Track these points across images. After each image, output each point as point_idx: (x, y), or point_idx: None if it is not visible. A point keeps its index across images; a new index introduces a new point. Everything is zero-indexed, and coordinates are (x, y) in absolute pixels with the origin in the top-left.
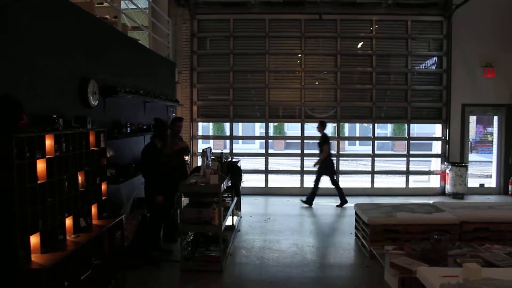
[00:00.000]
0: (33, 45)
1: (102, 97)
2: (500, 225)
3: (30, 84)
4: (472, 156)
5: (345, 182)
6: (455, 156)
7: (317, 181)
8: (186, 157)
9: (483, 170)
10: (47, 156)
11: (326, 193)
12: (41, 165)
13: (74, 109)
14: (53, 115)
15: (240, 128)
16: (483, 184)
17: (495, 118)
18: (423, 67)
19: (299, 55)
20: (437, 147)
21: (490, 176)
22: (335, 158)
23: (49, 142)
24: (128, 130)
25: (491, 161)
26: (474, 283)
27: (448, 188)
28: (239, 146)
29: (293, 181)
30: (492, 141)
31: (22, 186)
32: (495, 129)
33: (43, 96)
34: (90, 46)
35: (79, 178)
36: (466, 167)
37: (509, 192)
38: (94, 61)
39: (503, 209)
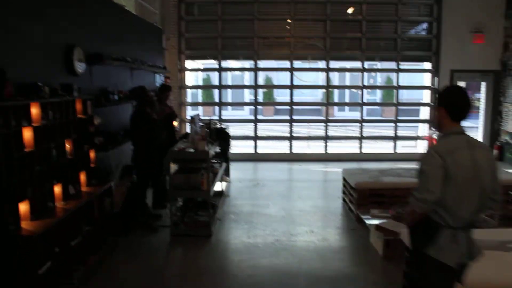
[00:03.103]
0: (14, 10)
1: (88, 65)
2: None
3: (13, 51)
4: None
5: (334, 147)
6: None
7: None
8: (175, 123)
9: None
10: (33, 125)
11: (316, 158)
12: (28, 134)
13: (60, 77)
14: (39, 83)
15: (229, 94)
16: None
17: (483, 84)
18: (413, 33)
19: (288, 21)
20: (425, 113)
21: None
22: (323, 125)
23: (35, 110)
24: (116, 97)
25: (478, 127)
26: None
27: None
28: (228, 113)
29: (282, 147)
30: (479, 107)
31: (9, 154)
32: (482, 95)
33: (27, 64)
34: (75, 12)
35: (67, 146)
36: None
37: None
38: (79, 27)
39: None
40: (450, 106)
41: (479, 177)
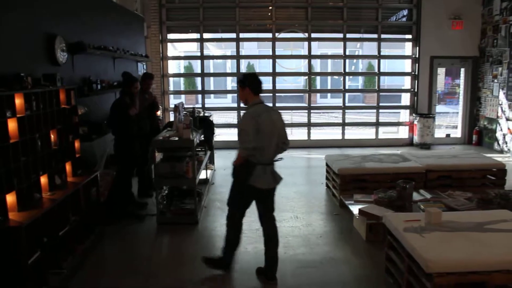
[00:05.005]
0: None
1: (70, 54)
2: (462, 172)
3: None
4: (440, 108)
5: (316, 134)
6: (423, 108)
7: None
8: (158, 113)
9: (450, 121)
10: (17, 115)
11: (299, 145)
12: (12, 125)
13: (42, 67)
14: (21, 73)
15: (212, 82)
16: (449, 135)
17: (462, 70)
18: (394, 20)
19: (270, 8)
20: (406, 99)
21: (456, 127)
22: (306, 111)
23: (18, 101)
24: (99, 87)
25: (458, 112)
26: (434, 225)
27: (416, 138)
28: (211, 101)
29: None
30: (459, 93)
31: None
32: (461, 81)
33: (9, 55)
34: (55, 1)
35: (52, 136)
36: (433, 118)
37: (473, 142)
38: (60, 17)
39: (465, 158)
40: (252, 85)
41: (276, 130)
